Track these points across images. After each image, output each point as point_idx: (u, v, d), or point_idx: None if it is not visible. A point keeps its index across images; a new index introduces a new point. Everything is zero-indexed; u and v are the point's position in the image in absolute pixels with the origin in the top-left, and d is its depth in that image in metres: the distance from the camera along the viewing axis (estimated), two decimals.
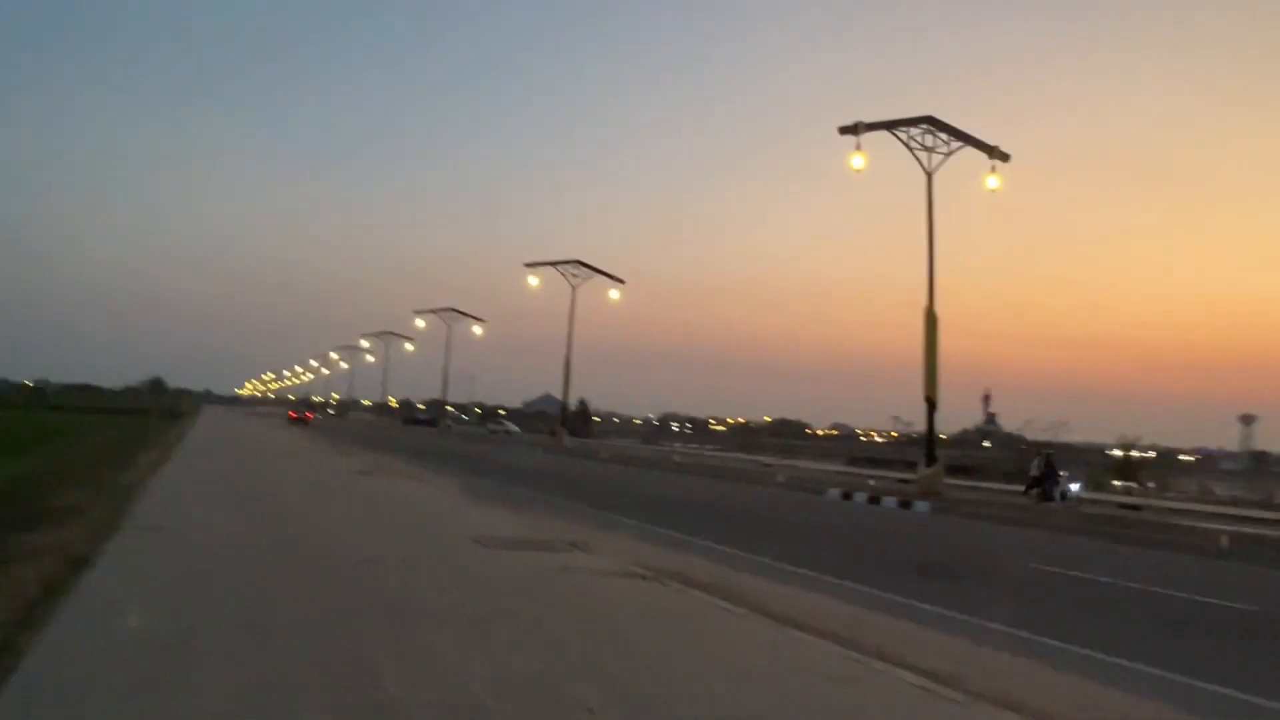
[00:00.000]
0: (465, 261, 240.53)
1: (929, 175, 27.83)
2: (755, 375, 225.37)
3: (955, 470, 37.33)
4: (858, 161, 27.28)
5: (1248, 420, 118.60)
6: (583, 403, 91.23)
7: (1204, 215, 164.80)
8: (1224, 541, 17.12)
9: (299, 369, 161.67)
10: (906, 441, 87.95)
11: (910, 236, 72.97)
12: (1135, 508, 24.21)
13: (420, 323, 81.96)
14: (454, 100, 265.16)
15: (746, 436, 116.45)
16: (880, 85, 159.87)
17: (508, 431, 78.31)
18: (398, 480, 20.38)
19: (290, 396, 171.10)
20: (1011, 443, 72.63)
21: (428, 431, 75.72)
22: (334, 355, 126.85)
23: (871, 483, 30.05)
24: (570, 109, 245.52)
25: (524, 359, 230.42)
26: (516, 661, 5.35)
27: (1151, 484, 44.06)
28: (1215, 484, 51.27)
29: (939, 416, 27.84)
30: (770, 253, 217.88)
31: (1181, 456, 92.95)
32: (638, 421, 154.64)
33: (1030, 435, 53.47)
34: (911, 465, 35.94)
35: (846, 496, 25.86)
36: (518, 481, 24.46)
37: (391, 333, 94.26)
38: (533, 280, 56.52)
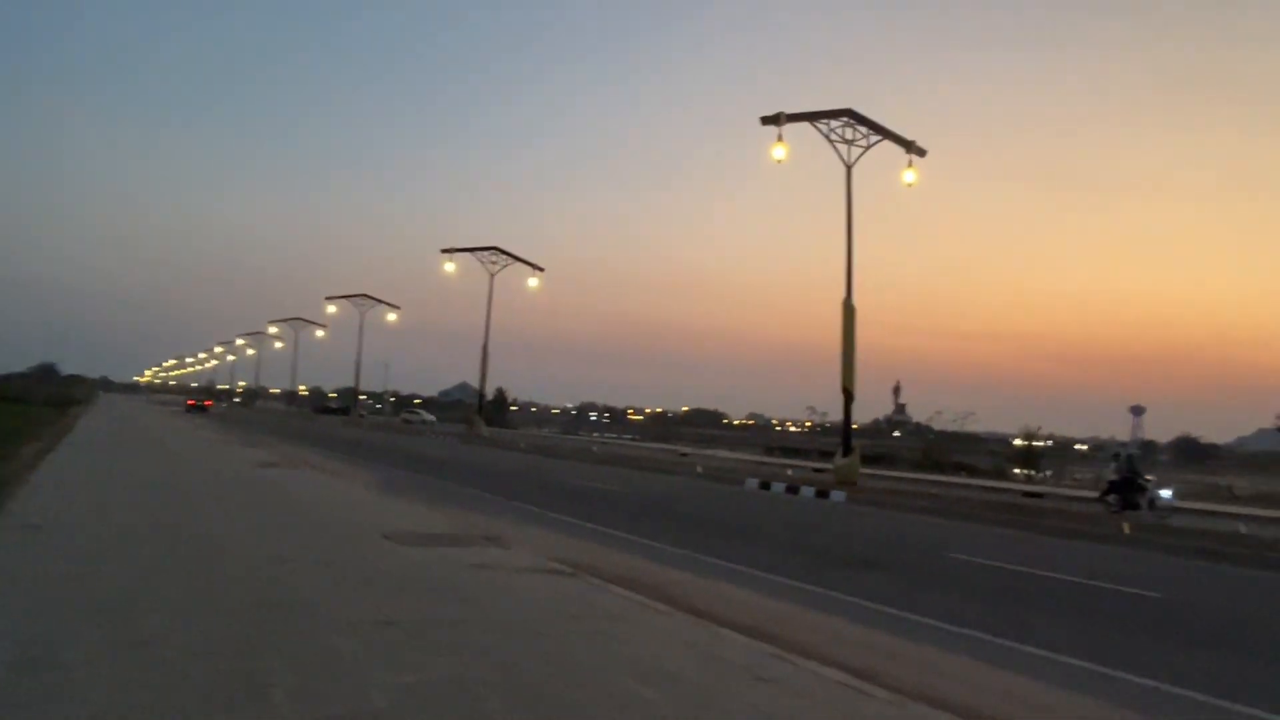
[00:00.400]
0: (379, 248, 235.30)
1: (848, 168, 28.11)
2: (672, 365, 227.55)
3: (867, 459, 38.03)
4: (779, 153, 27.35)
5: (1138, 411, 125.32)
6: (500, 392, 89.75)
7: (1100, 216, 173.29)
8: (1126, 528, 17.73)
9: (203, 355, 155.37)
10: (820, 431, 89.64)
11: (828, 230, 74.19)
12: (1037, 495, 24.95)
13: (332, 309, 79.74)
14: (369, 88, 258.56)
15: (664, 426, 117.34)
16: (805, 84, 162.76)
17: (423, 421, 76.71)
18: (305, 472, 19.50)
19: (193, 384, 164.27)
20: (921, 433, 74.83)
21: (340, 421, 73.68)
22: (240, 342, 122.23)
23: (789, 472, 30.28)
24: (489, 99, 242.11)
25: (440, 347, 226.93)
26: (425, 668, 4.97)
27: (1049, 472, 45.86)
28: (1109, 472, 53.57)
29: (853, 407, 28.21)
30: (689, 244, 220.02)
31: (1077, 445, 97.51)
32: (556, 411, 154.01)
33: (939, 425, 55.01)
34: (826, 455, 36.45)
35: (765, 486, 26.00)
36: (433, 473, 23.80)
37: (302, 319, 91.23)
38: (449, 267, 55.30)
